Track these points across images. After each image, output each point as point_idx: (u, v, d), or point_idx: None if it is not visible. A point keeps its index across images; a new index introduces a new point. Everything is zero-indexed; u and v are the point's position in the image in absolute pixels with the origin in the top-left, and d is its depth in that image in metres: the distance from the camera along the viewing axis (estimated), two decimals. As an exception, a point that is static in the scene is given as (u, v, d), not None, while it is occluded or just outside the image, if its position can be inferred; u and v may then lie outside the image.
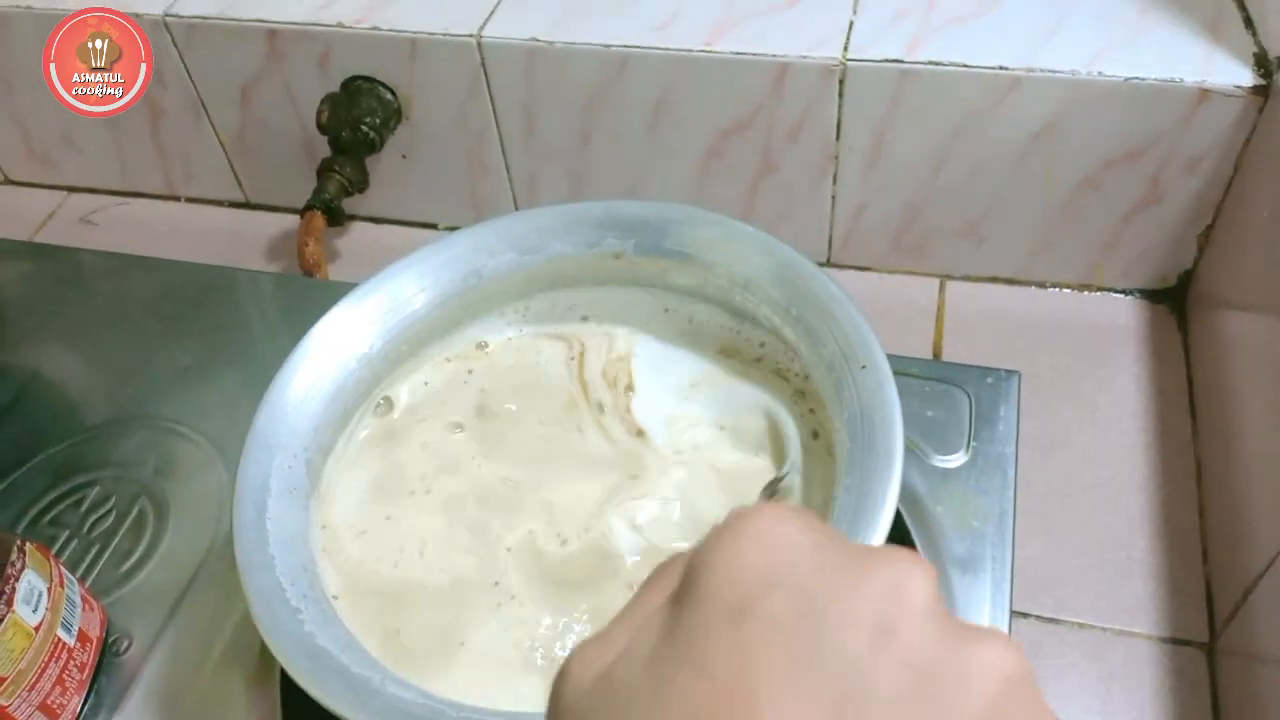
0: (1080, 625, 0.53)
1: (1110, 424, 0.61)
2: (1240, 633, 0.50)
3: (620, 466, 0.41)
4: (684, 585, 0.21)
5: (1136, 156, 0.61)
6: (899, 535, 0.48)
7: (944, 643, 0.20)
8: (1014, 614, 0.53)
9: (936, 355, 0.65)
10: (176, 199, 0.84)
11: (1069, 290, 0.69)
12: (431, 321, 0.44)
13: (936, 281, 0.71)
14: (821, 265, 0.72)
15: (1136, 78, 0.58)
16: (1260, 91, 0.56)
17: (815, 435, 0.39)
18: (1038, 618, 0.54)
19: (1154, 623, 0.53)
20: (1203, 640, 0.53)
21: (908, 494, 0.49)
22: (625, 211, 0.44)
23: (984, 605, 0.46)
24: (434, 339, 0.45)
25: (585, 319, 0.46)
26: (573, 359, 0.44)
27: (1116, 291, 0.68)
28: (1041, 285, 0.69)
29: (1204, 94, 0.57)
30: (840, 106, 0.63)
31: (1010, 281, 0.70)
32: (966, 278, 0.70)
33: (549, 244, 0.44)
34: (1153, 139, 0.60)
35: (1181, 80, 0.57)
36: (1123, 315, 0.67)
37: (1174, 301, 0.67)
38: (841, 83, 0.62)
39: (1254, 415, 0.52)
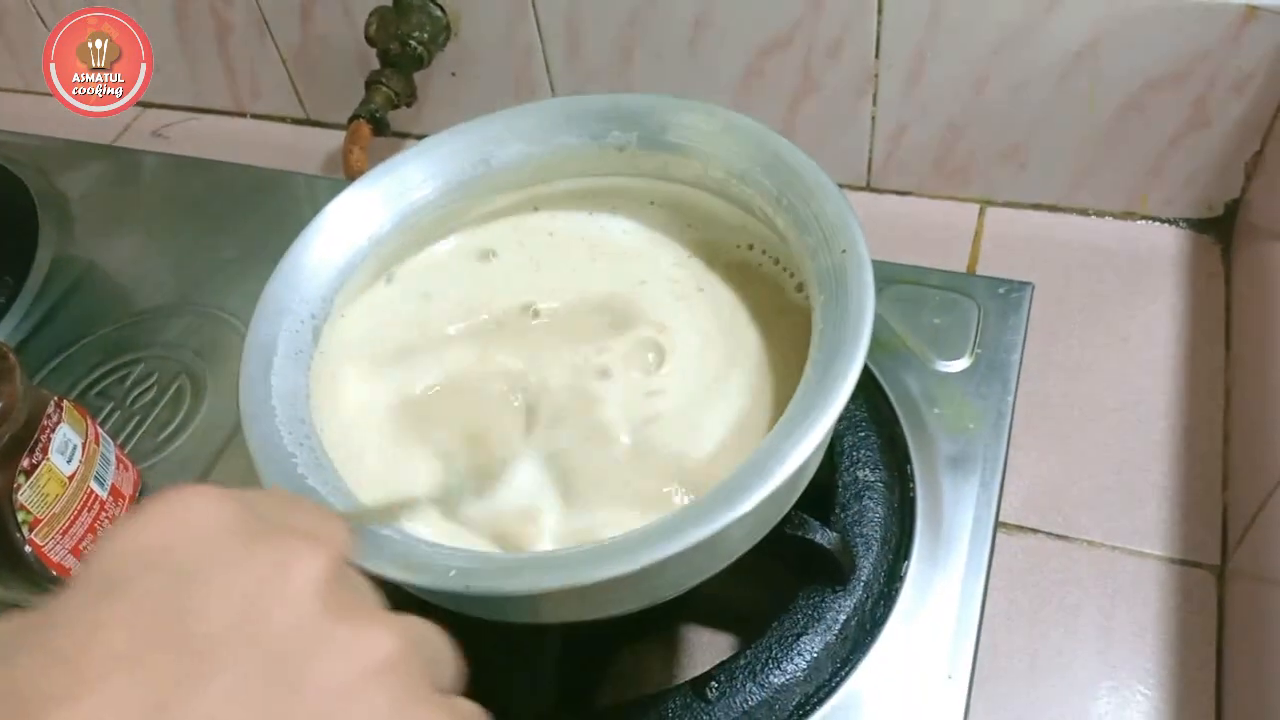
0: (1090, 543, 0.53)
1: (1141, 350, 0.60)
2: (1249, 553, 0.49)
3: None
4: (78, 566, 0.21)
5: (1181, 77, 0.59)
6: (893, 434, 0.49)
7: (313, 626, 0.20)
8: (1021, 529, 0.54)
9: (968, 277, 0.65)
10: (243, 115, 0.87)
11: (1113, 219, 0.68)
12: (442, 207, 0.46)
13: (976, 207, 0.70)
14: (860, 189, 0.72)
15: (1181, -7, 0.56)
16: (1310, 6, 0.54)
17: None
18: (1046, 533, 0.54)
19: (1166, 544, 0.53)
20: (1214, 563, 0.52)
21: (904, 396, 0.49)
22: (627, 104, 0.45)
23: (970, 506, 0.46)
24: (449, 224, 0.47)
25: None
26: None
27: (1161, 220, 0.67)
28: (1084, 213, 0.68)
29: (1251, 10, 0.55)
30: (879, 23, 0.63)
31: (1053, 208, 0.69)
32: (1008, 204, 0.69)
33: (555, 135, 0.46)
34: (1198, 59, 0.58)
35: (1228, -4, 0.56)
36: (1166, 244, 0.66)
37: (1220, 231, 0.65)
38: (880, -2, 0.62)
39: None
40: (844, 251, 0.38)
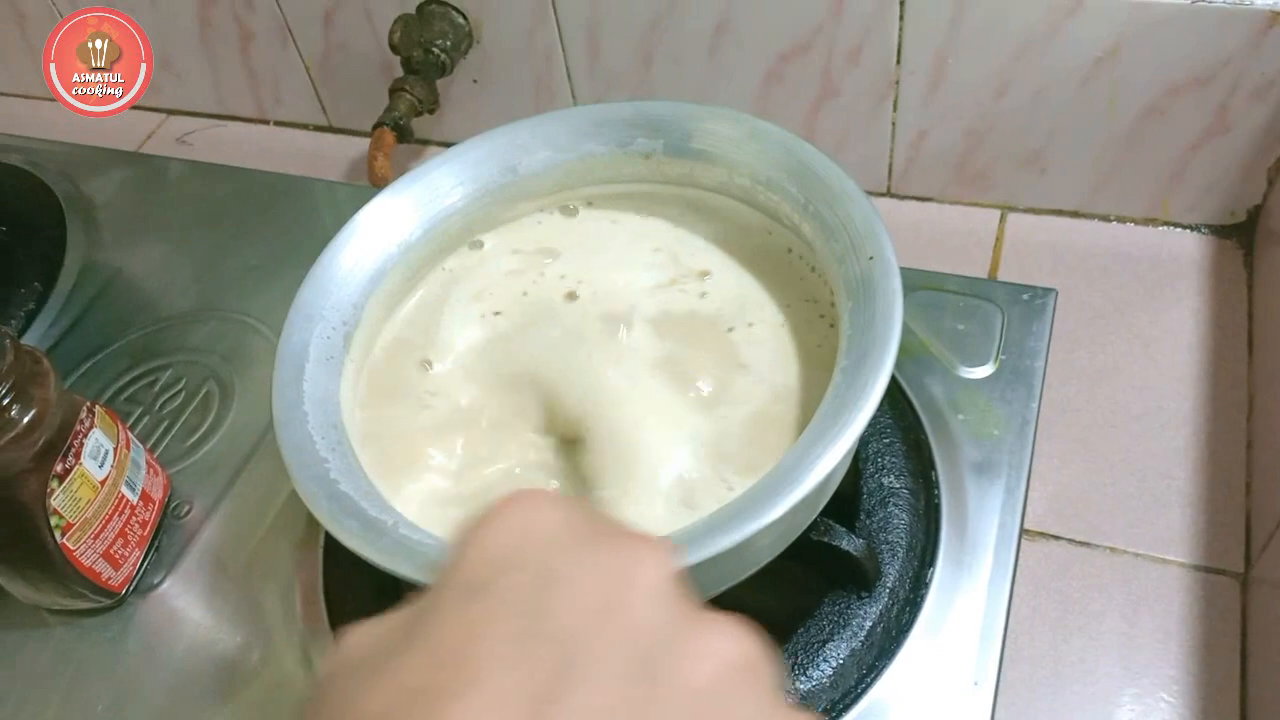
0: (1113, 550, 0.53)
1: (1164, 356, 0.60)
2: (1272, 560, 0.49)
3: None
4: (441, 569, 0.23)
5: (1203, 83, 0.59)
6: (918, 441, 0.49)
7: (669, 624, 0.21)
8: (1044, 535, 0.54)
9: (989, 283, 0.65)
10: (266, 122, 0.88)
11: (1134, 225, 0.68)
12: (470, 214, 0.46)
13: (997, 213, 0.70)
14: (881, 195, 0.73)
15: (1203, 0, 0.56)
16: (1334, 12, 0.54)
17: (822, 316, 0.41)
18: (1069, 540, 0.54)
19: (1189, 551, 0.53)
20: (1238, 570, 0.52)
21: (928, 402, 0.50)
22: (653, 111, 0.45)
23: (995, 512, 0.46)
24: (475, 231, 0.47)
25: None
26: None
27: (1183, 226, 0.67)
28: (1105, 219, 0.68)
29: (1274, 16, 0.55)
30: (901, 28, 0.63)
31: (1074, 214, 0.69)
32: (1029, 210, 0.69)
33: (582, 143, 0.46)
34: (1220, 64, 0.58)
35: (1251, 2, 0.55)
36: (1188, 250, 0.66)
37: (1242, 237, 0.65)
38: (901, 3, 0.62)
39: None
40: (871, 258, 0.38)
